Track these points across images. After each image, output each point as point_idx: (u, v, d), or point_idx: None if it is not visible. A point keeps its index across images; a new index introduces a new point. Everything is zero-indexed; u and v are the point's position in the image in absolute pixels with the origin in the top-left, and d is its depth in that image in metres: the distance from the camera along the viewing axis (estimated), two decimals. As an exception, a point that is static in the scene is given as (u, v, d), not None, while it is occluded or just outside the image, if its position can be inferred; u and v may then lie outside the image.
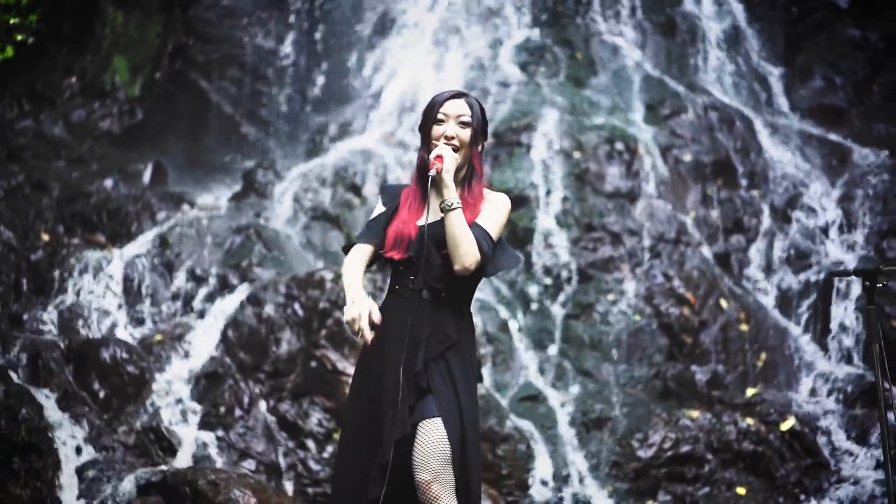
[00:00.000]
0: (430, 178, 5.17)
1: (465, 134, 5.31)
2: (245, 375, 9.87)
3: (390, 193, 5.50)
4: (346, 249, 5.43)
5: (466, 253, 5.09)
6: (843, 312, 10.88)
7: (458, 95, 5.37)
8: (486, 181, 5.45)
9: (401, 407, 5.07)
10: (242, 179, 12.31)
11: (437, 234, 5.22)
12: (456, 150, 5.26)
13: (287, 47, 13.43)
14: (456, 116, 5.29)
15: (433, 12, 13.44)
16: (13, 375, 8.98)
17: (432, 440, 5.04)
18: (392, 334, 5.22)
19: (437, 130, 5.30)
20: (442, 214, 5.21)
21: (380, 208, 5.47)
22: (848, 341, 10.78)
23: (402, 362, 5.13)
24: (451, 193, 5.14)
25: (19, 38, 12.46)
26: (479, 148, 5.41)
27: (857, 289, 10.64)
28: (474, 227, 5.20)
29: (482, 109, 5.42)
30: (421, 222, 5.28)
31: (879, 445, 9.59)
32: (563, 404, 10.18)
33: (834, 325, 10.87)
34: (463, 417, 5.13)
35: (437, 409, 5.08)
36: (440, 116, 5.30)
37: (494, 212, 5.29)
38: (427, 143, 5.34)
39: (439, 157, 5.18)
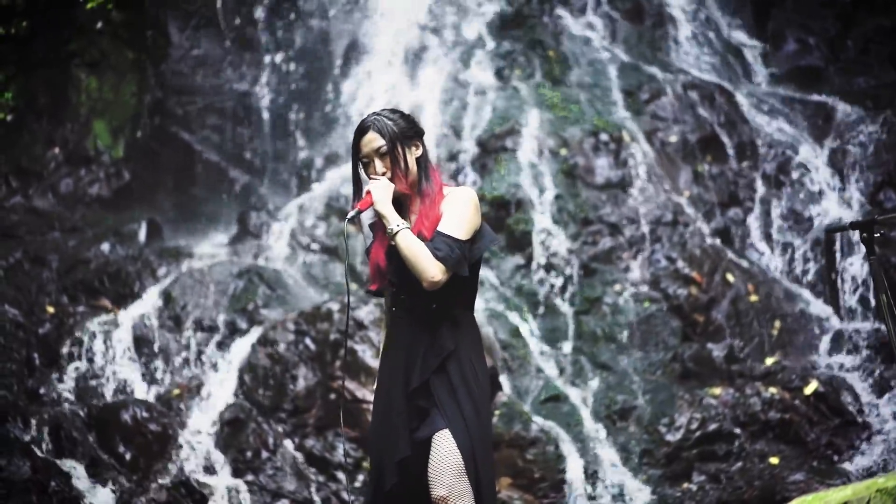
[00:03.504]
0: (354, 219, 5.17)
1: (388, 162, 5.20)
2: (266, 417, 9.88)
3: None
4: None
5: (425, 268, 5.03)
6: (849, 268, 10.89)
7: (363, 130, 5.25)
8: (440, 178, 5.35)
9: (400, 430, 5.12)
10: (236, 224, 12.34)
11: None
12: (391, 178, 5.17)
13: (262, 88, 13.47)
14: (374, 151, 5.19)
15: (400, 33, 13.48)
16: (37, 450, 8.99)
17: (443, 454, 5.02)
18: (395, 355, 5.25)
19: (369, 171, 5.22)
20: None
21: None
22: (857, 296, 10.78)
23: (402, 383, 5.17)
24: (392, 219, 5.09)
25: (-2, 117, 12.52)
26: (414, 150, 5.30)
27: (858, 243, 10.65)
28: (435, 236, 5.12)
29: (399, 116, 5.30)
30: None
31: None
32: (585, 400, 10.18)
33: (842, 283, 10.88)
34: (468, 427, 5.09)
35: (444, 421, 5.07)
36: (364, 160, 5.23)
37: (454, 210, 5.18)
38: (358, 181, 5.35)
39: (368, 192, 5.14)
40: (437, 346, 5.18)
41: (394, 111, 5.31)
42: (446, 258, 5.07)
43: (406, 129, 5.27)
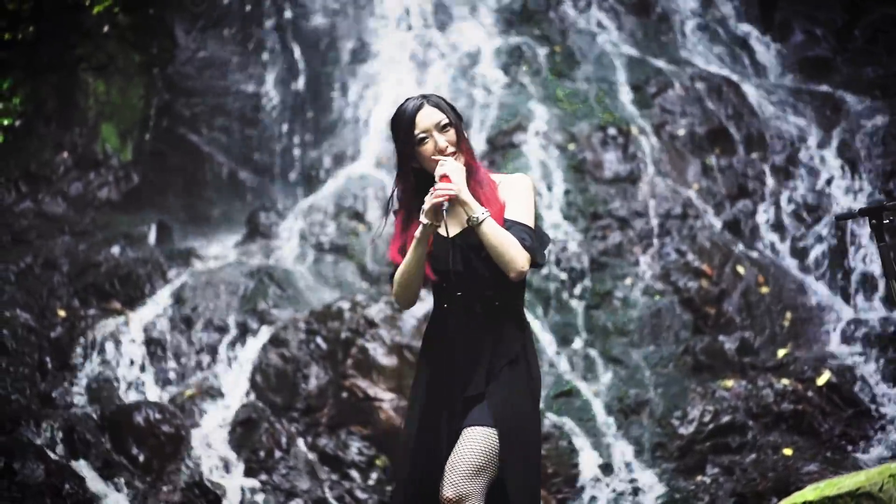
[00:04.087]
0: (437, 206, 4.82)
1: (452, 136, 4.94)
2: (279, 416, 9.89)
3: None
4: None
5: (514, 258, 4.76)
6: (860, 257, 10.87)
7: (418, 106, 4.94)
8: (484, 165, 5.10)
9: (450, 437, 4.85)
10: (246, 225, 12.35)
11: (470, 242, 4.89)
12: (454, 155, 4.92)
13: (269, 88, 13.48)
14: (435, 125, 4.91)
15: (406, 30, 13.48)
16: (51, 453, 9.01)
17: (462, 452, 4.77)
18: (446, 356, 4.94)
19: (426, 150, 4.93)
20: (467, 224, 4.87)
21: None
22: (868, 286, 10.76)
23: (461, 388, 4.87)
24: (474, 206, 4.80)
25: (6, 122, 12.52)
26: (466, 136, 5.06)
27: (868, 232, 10.62)
28: (509, 226, 4.86)
29: (447, 101, 5.06)
30: (450, 232, 4.94)
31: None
32: (597, 394, 10.17)
33: (852, 272, 10.86)
34: (516, 429, 4.81)
35: (482, 417, 4.80)
36: (421, 135, 4.93)
37: (520, 198, 4.97)
38: (407, 165, 4.98)
39: (445, 177, 4.83)
40: (503, 348, 4.90)
41: (438, 96, 5.06)
42: (531, 248, 4.84)
43: (456, 110, 5.06)
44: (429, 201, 4.83)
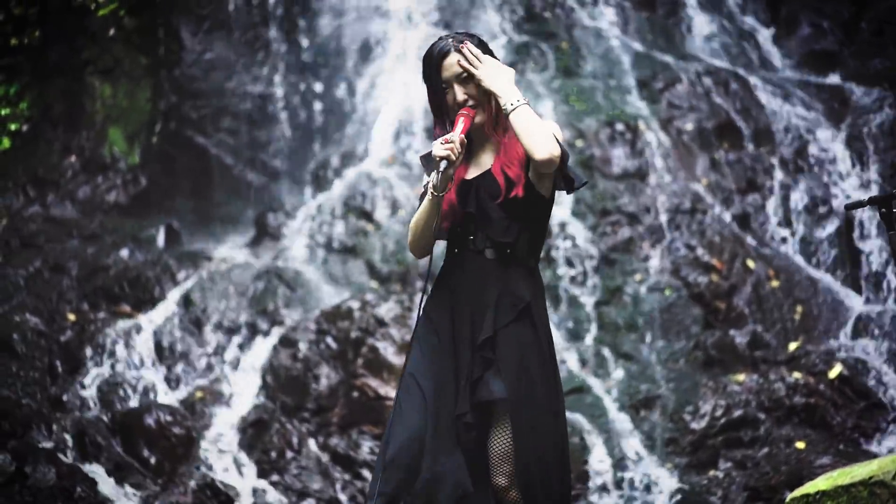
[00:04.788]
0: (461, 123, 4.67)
1: (473, 88, 4.76)
2: (290, 417, 9.89)
3: (428, 159, 4.91)
4: None
5: (544, 141, 4.56)
6: (870, 250, 10.84)
7: (444, 53, 4.79)
8: None
9: (460, 384, 4.65)
10: (254, 226, 12.35)
11: (488, 186, 4.74)
12: (474, 107, 4.75)
13: (276, 89, 13.48)
14: (455, 78, 4.76)
15: (412, 29, 13.48)
16: (62, 457, 9.02)
17: (503, 436, 4.60)
18: (455, 298, 4.77)
19: (447, 101, 4.81)
20: (489, 165, 4.76)
21: (424, 179, 4.94)
22: (879, 277, 10.73)
23: (468, 331, 4.69)
24: (509, 92, 4.63)
25: (13, 127, 12.55)
26: None
27: (877, 223, 10.60)
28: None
29: (477, 41, 4.85)
30: (468, 175, 4.82)
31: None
32: (608, 390, 10.15)
33: (863, 265, 10.83)
34: (534, 399, 4.63)
35: (506, 389, 4.59)
36: (443, 86, 4.81)
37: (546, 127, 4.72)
38: (441, 115, 4.84)
39: (466, 119, 4.70)
40: (512, 295, 4.71)
41: (470, 35, 4.90)
42: (564, 151, 4.66)
43: (490, 54, 4.86)
44: (435, 149, 4.67)
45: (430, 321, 4.84)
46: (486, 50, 4.82)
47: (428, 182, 4.76)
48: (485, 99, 4.77)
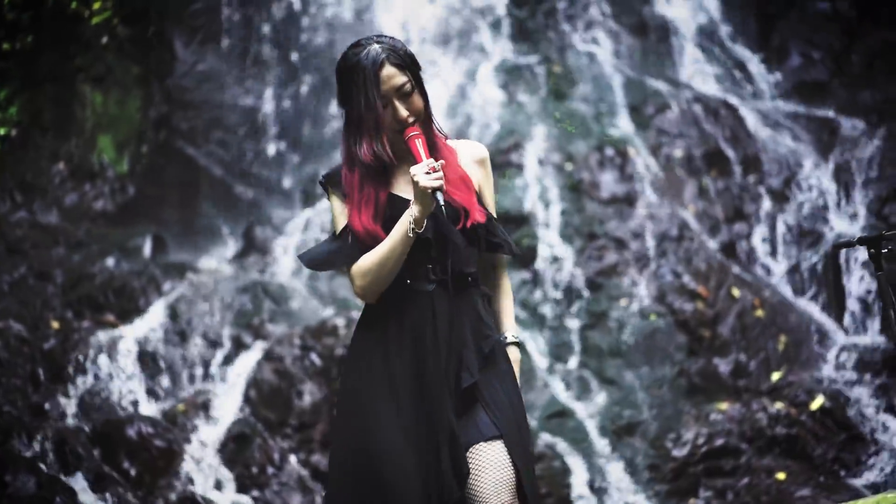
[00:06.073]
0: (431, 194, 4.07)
1: (416, 102, 4.24)
2: (272, 432, 9.87)
3: (339, 180, 4.32)
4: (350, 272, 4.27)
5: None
6: (856, 283, 10.88)
7: (381, 62, 4.19)
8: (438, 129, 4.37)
9: (457, 433, 4.10)
10: (242, 239, 12.34)
11: (446, 210, 4.17)
12: (416, 126, 4.22)
13: (268, 102, 13.48)
14: (395, 91, 4.20)
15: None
16: (42, 466, 8.98)
17: (498, 467, 4.11)
18: (414, 343, 4.17)
19: (385, 118, 4.20)
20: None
21: (340, 206, 4.30)
22: (864, 311, 10.76)
23: (443, 376, 4.13)
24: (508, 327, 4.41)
25: (2, 132, 12.52)
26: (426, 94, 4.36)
27: (865, 257, 10.64)
28: (492, 224, 4.29)
29: (409, 53, 4.29)
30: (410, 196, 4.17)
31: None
32: (591, 415, 10.16)
33: (848, 297, 10.86)
34: (520, 430, 4.20)
35: (494, 427, 4.14)
36: (380, 100, 4.20)
37: (490, 183, 4.40)
38: (363, 129, 4.21)
39: (423, 138, 4.18)
40: (484, 331, 4.25)
41: (392, 38, 4.33)
42: (511, 246, 4.38)
43: (416, 64, 4.33)
44: (423, 180, 4.08)
45: (381, 372, 4.20)
46: (415, 62, 4.30)
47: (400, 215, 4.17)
48: (423, 114, 4.26)
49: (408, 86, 4.20)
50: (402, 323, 4.18)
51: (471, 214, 4.24)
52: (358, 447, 4.16)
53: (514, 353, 4.36)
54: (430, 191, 4.05)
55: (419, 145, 4.17)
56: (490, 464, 4.11)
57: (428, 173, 4.08)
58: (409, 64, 4.24)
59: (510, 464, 4.11)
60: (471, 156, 4.40)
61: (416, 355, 4.16)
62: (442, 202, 4.08)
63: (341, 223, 4.29)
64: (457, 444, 4.10)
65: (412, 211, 4.10)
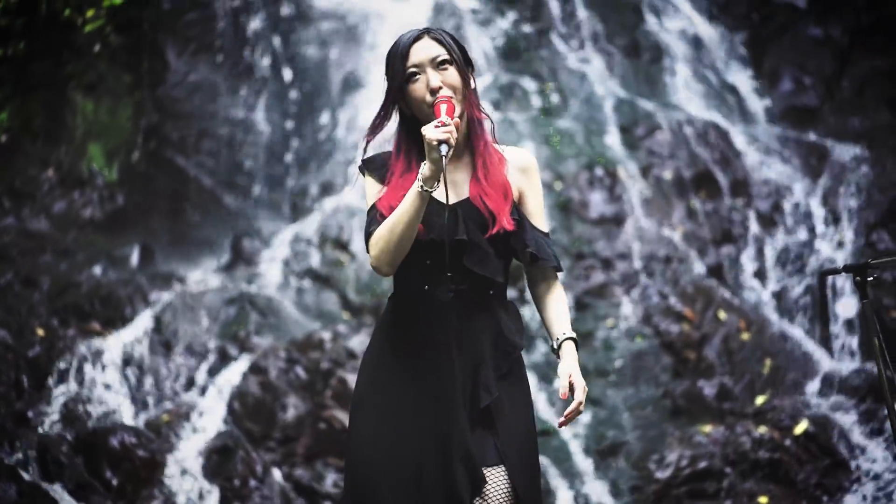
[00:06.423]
0: (441, 154, 3.87)
1: (452, 76, 4.08)
2: (256, 445, 9.84)
3: (378, 165, 4.24)
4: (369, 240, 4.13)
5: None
6: (842, 308, 10.90)
7: (418, 37, 4.10)
8: (489, 131, 4.24)
9: (472, 451, 3.99)
10: (230, 250, 12.34)
11: (473, 215, 4.07)
12: (449, 100, 4.04)
13: (259, 115, 13.49)
14: (430, 61, 4.07)
15: (399, 62, 13.51)
16: (24, 474, 8.94)
17: (497, 494, 4.03)
18: (432, 352, 4.04)
19: (416, 90, 4.08)
20: (467, 193, 4.08)
21: (374, 187, 4.20)
22: (850, 337, 10.78)
23: (457, 390, 4.00)
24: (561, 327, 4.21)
25: (-8, 138, 12.52)
26: (473, 86, 4.19)
27: (850, 283, 10.66)
28: (535, 233, 4.14)
29: (456, 39, 4.19)
30: (443, 198, 4.00)
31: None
32: (575, 435, 10.16)
33: (834, 323, 10.88)
34: (527, 455, 4.13)
35: (497, 453, 4.03)
36: (412, 70, 4.07)
37: (538, 191, 4.24)
38: (390, 106, 4.18)
39: (449, 104, 3.99)
40: (505, 344, 4.11)
41: (452, 36, 4.20)
42: (556, 260, 4.24)
43: (465, 53, 4.19)
44: (429, 133, 3.91)
45: (390, 380, 4.12)
46: (461, 47, 4.21)
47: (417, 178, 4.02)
48: (464, 94, 4.12)
49: (443, 56, 4.08)
50: (418, 329, 4.06)
51: (497, 221, 4.07)
52: (361, 455, 4.09)
53: (568, 348, 4.17)
54: (435, 143, 3.88)
55: (443, 109, 3.99)
56: (489, 491, 4.02)
57: (438, 127, 3.92)
58: (450, 42, 4.13)
59: (509, 490, 4.02)
60: (515, 163, 4.26)
61: (428, 366, 4.05)
62: (444, 153, 3.87)
63: (370, 202, 4.18)
64: (472, 461, 3.99)
65: (423, 168, 3.95)
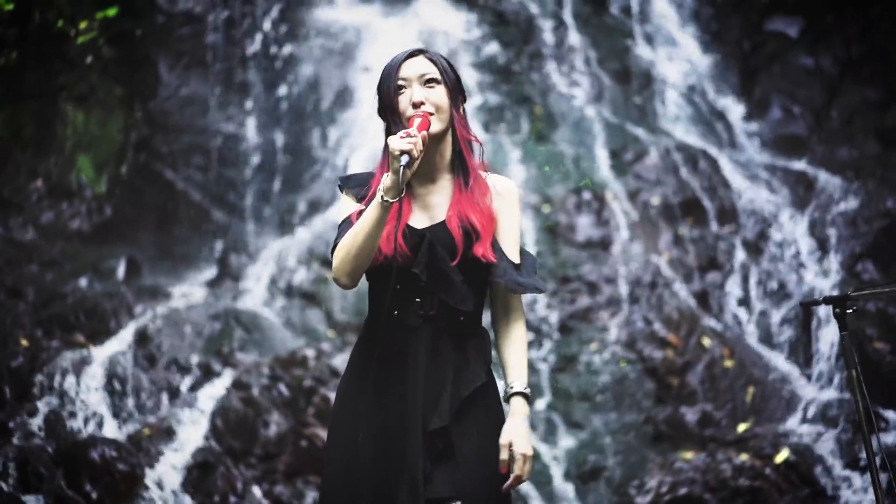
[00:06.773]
0: (403, 164, 3.85)
1: (438, 94, 4.09)
2: (236, 461, 9.82)
3: (358, 183, 4.25)
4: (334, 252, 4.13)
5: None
6: (825, 338, 10.92)
7: (414, 53, 4.15)
8: (478, 157, 4.21)
9: (418, 478, 3.92)
10: (216, 265, 12.33)
11: (444, 240, 4.03)
12: (428, 117, 4.05)
13: (249, 130, 13.50)
14: (418, 77, 4.08)
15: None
16: (2, 485, 8.92)
17: None
18: (397, 378, 4.02)
19: (400, 102, 4.09)
20: (443, 216, 4.06)
21: (350, 203, 4.21)
22: (832, 367, 10.80)
23: (417, 417, 3.96)
24: (517, 376, 4.18)
25: (-19, 147, 12.53)
26: (462, 111, 4.20)
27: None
28: (499, 262, 4.05)
29: (451, 65, 4.21)
30: (415, 223, 4.07)
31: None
32: (556, 458, 10.16)
33: (817, 352, 10.91)
34: (488, 488, 4.03)
35: (451, 486, 3.96)
36: (400, 83, 4.09)
37: (516, 221, 4.16)
38: (385, 116, 4.17)
39: (423, 119, 4.00)
40: (468, 374, 4.07)
41: (448, 61, 4.23)
42: (528, 286, 4.13)
43: (459, 82, 4.22)
44: (393, 142, 3.90)
45: (356, 406, 4.10)
46: (455, 72, 4.21)
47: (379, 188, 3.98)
48: (450, 115, 4.12)
49: (432, 75, 4.09)
50: (387, 354, 4.05)
51: (472, 249, 4.04)
52: (331, 480, 4.08)
53: (516, 405, 4.14)
54: (397, 152, 3.86)
55: (416, 123, 4.00)
56: None
57: (403, 138, 3.91)
58: (444, 64, 4.15)
59: None
60: (494, 188, 4.20)
61: (395, 391, 4.03)
62: (403, 163, 3.84)
63: (342, 217, 4.21)
64: (417, 489, 3.92)
65: (384, 179, 3.92)
